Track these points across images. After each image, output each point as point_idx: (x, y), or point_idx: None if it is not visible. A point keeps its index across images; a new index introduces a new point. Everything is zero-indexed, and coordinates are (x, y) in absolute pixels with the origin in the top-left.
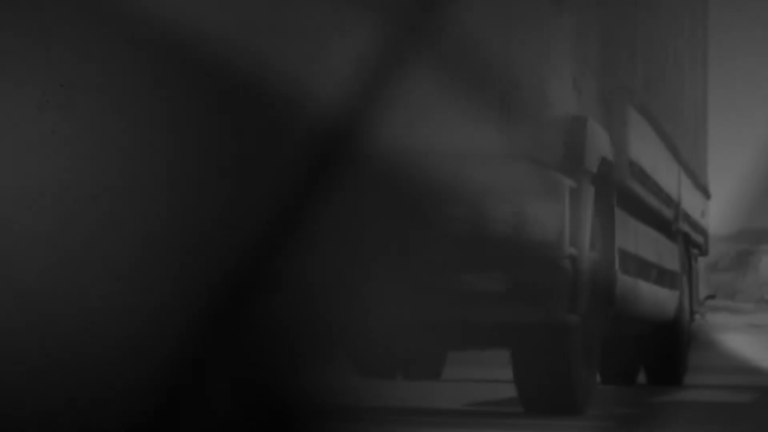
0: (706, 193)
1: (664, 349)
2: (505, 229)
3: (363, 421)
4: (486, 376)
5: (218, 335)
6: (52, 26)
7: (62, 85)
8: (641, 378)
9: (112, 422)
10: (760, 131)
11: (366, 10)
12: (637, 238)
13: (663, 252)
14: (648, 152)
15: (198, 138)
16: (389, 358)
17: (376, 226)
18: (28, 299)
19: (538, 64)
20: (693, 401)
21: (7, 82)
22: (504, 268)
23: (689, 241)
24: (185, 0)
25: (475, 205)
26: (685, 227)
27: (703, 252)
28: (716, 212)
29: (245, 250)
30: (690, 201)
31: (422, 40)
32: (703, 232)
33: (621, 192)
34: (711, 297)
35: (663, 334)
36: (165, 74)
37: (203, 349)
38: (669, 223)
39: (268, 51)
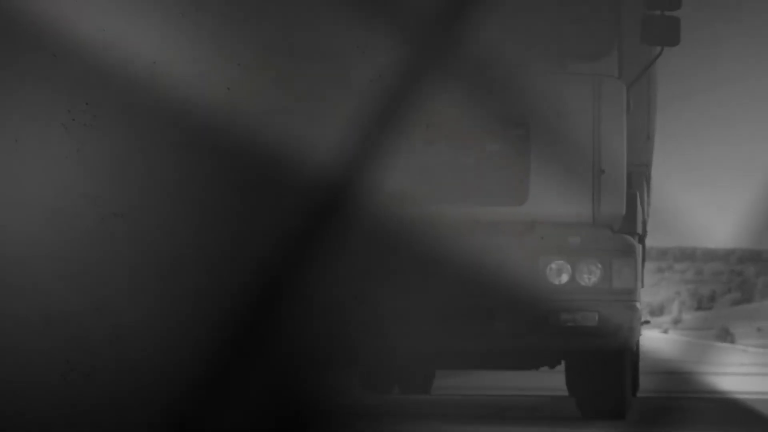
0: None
1: None
2: (594, 279)
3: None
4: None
5: (240, 348)
6: (78, 47)
7: (87, 104)
8: None
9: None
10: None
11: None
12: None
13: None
14: (645, 210)
15: (219, 156)
16: (391, 376)
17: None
18: (54, 313)
19: (617, 154)
20: (667, 407)
21: (34, 101)
22: (594, 309)
23: None
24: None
25: (571, 260)
26: None
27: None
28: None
29: (264, 266)
30: None
31: (521, 126)
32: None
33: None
34: (646, 322)
35: None
36: (186, 96)
37: (226, 359)
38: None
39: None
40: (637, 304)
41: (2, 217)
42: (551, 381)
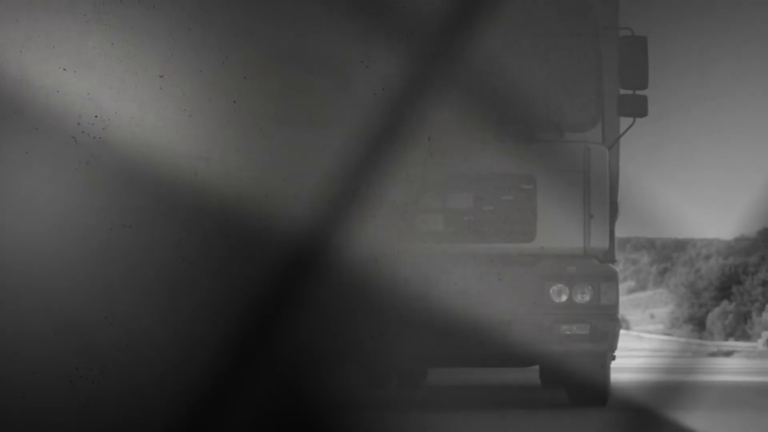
0: None
1: None
2: (586, 298)
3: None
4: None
5: (248, 354)
6: (88, 59)
7: (97, 117)
8: None
9: None
10: None
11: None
12: None
13: None
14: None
15: (227, 165)
16: (392, 372)
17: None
18: (63, 321)
19: (603, 202)
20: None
21: (43, 113)
22: (586, 320)
23: None
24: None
25: (568, 284)
26: None
27: None
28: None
29: (272, 274)
30: None
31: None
32: None
33: None
34: None
35: None
36: (193, 108)
37: (233, 366)
38: None
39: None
40: (618, 317)
41: (11, 227)
42: (523, 374)
